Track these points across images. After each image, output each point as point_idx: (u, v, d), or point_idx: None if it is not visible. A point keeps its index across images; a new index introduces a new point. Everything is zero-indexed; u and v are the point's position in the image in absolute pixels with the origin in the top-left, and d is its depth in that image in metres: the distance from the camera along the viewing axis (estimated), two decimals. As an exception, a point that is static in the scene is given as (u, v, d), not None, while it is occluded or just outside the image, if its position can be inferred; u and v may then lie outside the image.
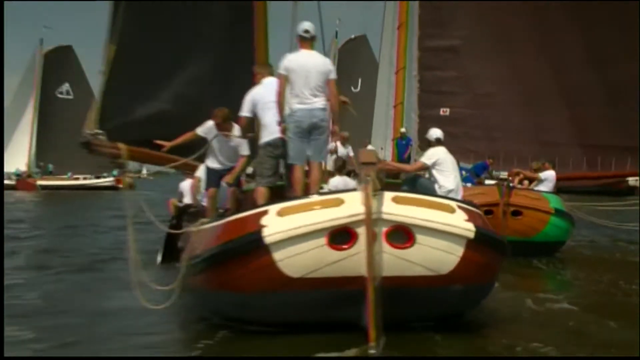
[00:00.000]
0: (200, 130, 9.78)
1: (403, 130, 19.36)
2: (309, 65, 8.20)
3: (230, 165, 9.81)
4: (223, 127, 9.56)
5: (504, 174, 16.83)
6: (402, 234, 6.59)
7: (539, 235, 13.28)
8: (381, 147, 19.25)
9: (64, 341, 7.26)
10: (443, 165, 9.84)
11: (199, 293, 8.15)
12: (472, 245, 6.82)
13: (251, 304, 7.18)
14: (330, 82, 8.35)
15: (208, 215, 9.55)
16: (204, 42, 14.22)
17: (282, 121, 8.26)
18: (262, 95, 8.57)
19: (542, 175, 15.23)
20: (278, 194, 8.93)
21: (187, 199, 15.53)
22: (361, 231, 6.56)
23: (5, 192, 50.72)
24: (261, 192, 8.44)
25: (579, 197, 18.70)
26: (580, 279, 11.86)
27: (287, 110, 8.17)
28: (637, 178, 23.04)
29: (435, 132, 10.74)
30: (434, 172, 9.93)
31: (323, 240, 6.67)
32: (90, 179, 56.00)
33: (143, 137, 12.11)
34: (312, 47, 8.54)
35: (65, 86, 57.43)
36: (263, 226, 6.74)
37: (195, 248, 8.12)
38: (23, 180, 54.79)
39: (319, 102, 8.20)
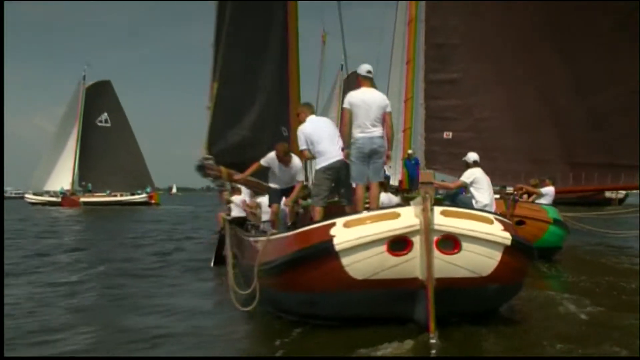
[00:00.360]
0: (264, 161, 10.28)
1: (410, 151, 19.87)
2: (370, 101, 8.45)
3: (288, 186, 10.29)
4: (282, 158, 10.04)
5: (510, 189, 16.97)
6: (450, 242, 6.71)
7: (539, 241, 13.37)
8: (389, 166, 19.36)
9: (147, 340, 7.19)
10: (479, 184, 10.20)
11: (271, 294, 8.13)
12: (508, 251, 6.95)
13: (320, 302, 7.27)
14: (387, 115, 8.60)
15: (274, 227, 9.69)
16: (263, 86, 15.18)
17: (345, 147, 8.50)
18: (313, 130, 8.82)
19: (543, 190, 15.69)
20: (332, 210, 9.16)
21: (235, 213, 15.54)
22: (416, 240, 6.73)
23: (52, 208, 50.98)
24: (317, 210, 8.63)
25: (563, 208, 18.77)
26: (582, 280, 11.82)
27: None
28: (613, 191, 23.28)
29: (472, 156, 11.05)
30: (472, 189, 10.28)
31: (383, 248, 6.78)
32: (126, 195, 55.90)
33: (234, 160, 12.84)
34: (372, 85, 8.78)
35: (104, 115, 57.45)
36: (333, 236, 6.86)
37: (266, 255, 8.11)
38: (68, 198, 55.12)
39: (378, 131, 8.45)
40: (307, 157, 9.21)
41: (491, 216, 7.38)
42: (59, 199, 54.63)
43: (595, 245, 18.46)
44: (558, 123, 17.58)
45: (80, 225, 33.56)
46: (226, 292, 9.09)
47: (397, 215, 6.95)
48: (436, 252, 6.71)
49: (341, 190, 9.14)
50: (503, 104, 18.38)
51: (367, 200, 8.89)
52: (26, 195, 59.64)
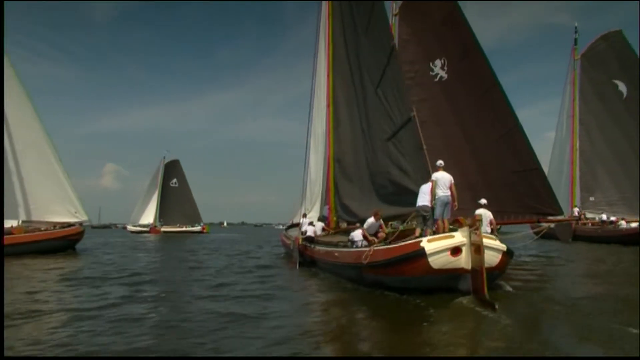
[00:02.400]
0: (366, 225, 10.39)
1: None
2: (444, 178, 9.00)
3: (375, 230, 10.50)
4: (377, 217, 10.33)
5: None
6: (478, 249, 7.54)
7: None
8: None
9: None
10: (483, 219, 9.40)
11: (377, 278, 8.51)
12: (504, 254, 7.90)
13: (413, 281, 7.94)
14: (451, 183, 9.00)
15: (372, 243, 9.72)
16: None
17: (432, 199, 8.92)
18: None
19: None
20: (407, 232, 9.69)
21: (310, 233, 15.21)
22: (463, 248, 7.64)
23: (142, 234, 49.36)
24: (418, 230, 8.89)
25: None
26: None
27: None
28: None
29: (482, 200, 10.50)
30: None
31: (448, 252, 7.68)
32: (187, 227, 54.82)
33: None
34: (443, 169, 9.10)
35: (174, 180, 56.85)
36: (423, 247, 7.71)
37: (374, 257, 8.49)
38: (153, 228, 53.35)
39: (447, 192, 8.92)
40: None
41: (494, 236, 8.30)
42: (148, 229, 53.01)
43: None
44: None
45: (169, 243, 30.74)
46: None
47: (453, 236, 7.83)
48: (472, 254, 7.52)
49: (428, 222, 8.98)
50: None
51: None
52: (127, 226, 57.94)
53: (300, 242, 14.44)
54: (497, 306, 6.46)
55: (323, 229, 15.62)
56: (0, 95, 16.97)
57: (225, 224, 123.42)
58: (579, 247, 22.20)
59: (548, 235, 23.93)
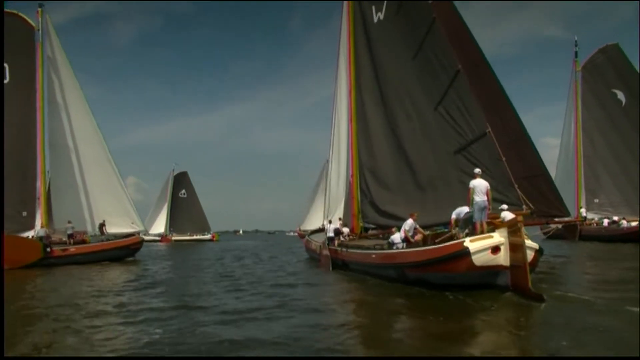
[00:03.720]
0: (407, 227, 11.06)
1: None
2: (481, 185, 9.52)
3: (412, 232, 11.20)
4: (414, 218, 11.02)
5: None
6: (517, 247, 8.26)
7: None
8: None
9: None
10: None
11: (420, 275, 9.16)
12: (536, 251, 8.64)
13: (456, 278, 8.66)
14: (487, 189, 9.53)
15: (414, 244, 10.63)
16: None
17: (470, 204, 9.64)
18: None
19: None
20: (440, 235, 10.46)
21: (330, 234, 16.25)
22: (502, 247, 8.39)
23: (153, 243, 49.57)
24: (478, 226, 9.19)
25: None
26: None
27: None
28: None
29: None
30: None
31: (489, 251, 8.42)
32: (198, 235, 55.44)
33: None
34: (480, 177, 9.68)
35: (183, 190, 57.65)
36: (466, 246, 8.48)
37: (417, 257, 9.26)
38: (164, 237, 53.86)
39: (484, 197, 9.41)
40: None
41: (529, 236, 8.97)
42: (159, 238, 53.57)
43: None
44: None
45: (185, 252, 30.06)
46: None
47: (492, 237, 8.60)
48: (510, 253, 8.32)
49: (469, 226, 9.51)
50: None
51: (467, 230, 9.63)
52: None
53: (329, 246, 15.14)
54: (545, 297, 7.11)
55: (348, 235, 16.45)
56: (0, 96, 17.33)
57: (241, 231, 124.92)
58: (586, 246, 22.94)
59: (555, 235, 25.03)
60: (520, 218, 8.33)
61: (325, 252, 15.03)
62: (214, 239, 55.44)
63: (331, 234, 16.59)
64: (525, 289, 7.73)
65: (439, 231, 10.87)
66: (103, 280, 12.76)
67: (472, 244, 8.45)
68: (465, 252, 8.36)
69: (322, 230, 21.18)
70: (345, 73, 17.56)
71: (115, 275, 14.43)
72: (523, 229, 8.10)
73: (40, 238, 18.47)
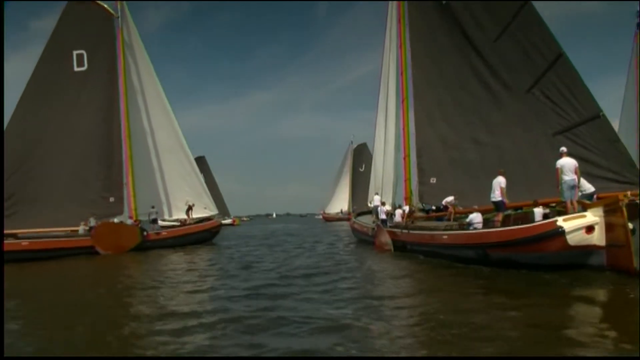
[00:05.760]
0: (501, 184, 10.58)
1: None
2: (569, 163, 9.38)
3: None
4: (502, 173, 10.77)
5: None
6: (616, 226, 8.07)
7: None
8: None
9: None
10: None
11: (506, 255, 9.17)
12: (631, 231, 8.06)
13: (548, 257, 8.62)
14: (576, 168, 9.33)
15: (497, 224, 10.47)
16: None
17: (558, 185, 9.40)
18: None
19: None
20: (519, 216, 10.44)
21: (382, 216, 16.47)
22: (596, 227, 8.30)
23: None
24: (569, 205, 9.05)
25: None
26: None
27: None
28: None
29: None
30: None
31: (583, 230, 8.36)
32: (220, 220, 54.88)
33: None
34: (567, 155, 9.50)
35: (202, 175, 56.11)
36: (560, 225, 8.42)
37: (501, 236, 9.27)
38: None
39: (573, 176, 9.27)
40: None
41: None
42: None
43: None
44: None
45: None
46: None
47: (585, 216, 8.52)
48: (607, 232, 8.28)
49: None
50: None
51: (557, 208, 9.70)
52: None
53: (384, 227, 15.25)
54: None
55: (401, 216, 16.42)
56: (0, 96, 16.89)
57: (274, 215, 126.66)
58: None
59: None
60: (621, 196, 8.17)
61: (384, 234, 15.03)
62: (235, 223, 54.96)
63: (383, 216, 16.88)
64: (630, 268, 7.65)
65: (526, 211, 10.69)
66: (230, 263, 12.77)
67: (566, 223, 8.40)
68: (560, 232, 8.33)
69: (367, 212, 21.43)
70: (396, 51, 17.33)
71: (220, 256, 14.88)
72: (624, 208, 7.87)
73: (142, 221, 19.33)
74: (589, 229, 8.32)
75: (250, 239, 24.55)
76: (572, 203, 9.05)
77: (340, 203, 60.61)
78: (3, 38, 17.39)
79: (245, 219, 53.22)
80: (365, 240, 18.36)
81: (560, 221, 8.49)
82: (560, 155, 9.57)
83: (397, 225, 15.35)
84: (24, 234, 17.32)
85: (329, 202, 61.63)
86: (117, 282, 10.34)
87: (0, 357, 3.99)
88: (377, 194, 18.68)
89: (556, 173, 9.42)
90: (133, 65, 20.37)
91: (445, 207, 14.20)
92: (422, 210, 16.37)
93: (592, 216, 8.41)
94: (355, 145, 59.05)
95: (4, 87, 17.20)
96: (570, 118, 11.76)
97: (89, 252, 16.57)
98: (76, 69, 19.27)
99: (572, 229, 8.29)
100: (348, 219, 56.23)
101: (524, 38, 12.43)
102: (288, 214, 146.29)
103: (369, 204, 21.00)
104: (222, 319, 5.80)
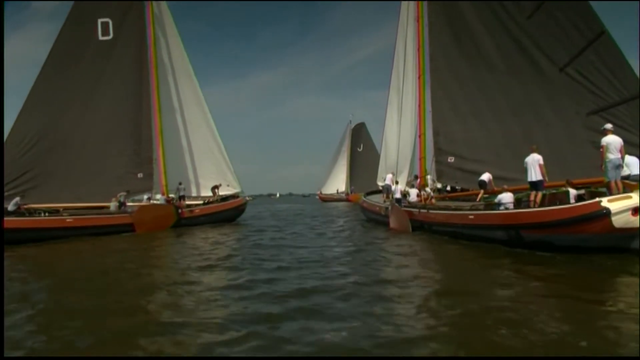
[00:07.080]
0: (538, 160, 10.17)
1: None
2: (615, 142, 8.87)
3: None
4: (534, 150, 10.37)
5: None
6: None
7: None
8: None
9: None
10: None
11: (542, 237, 8.81)
12: None
13: (592, 239, 8.25)
14: (621, 146, 8.85)
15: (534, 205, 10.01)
16: None
17: (602, 163, 8.94)
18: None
19: None
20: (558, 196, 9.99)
21: (397, 195, 16.20)
22: None
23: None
24: (613, 185, 8.59)
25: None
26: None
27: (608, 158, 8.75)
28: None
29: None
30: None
31: (629, 212, 7.97)
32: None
33: None
34: (612, 133, 9.00)
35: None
36: (605, 207, 8.02)
37: (538, 217, 8.85)
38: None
39: (618, 155, 8.80)
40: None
41: None
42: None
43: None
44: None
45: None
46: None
47: (631, 197, 8.12)
48: None
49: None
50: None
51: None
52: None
53: (401, 207, 14.87)
54: None
55: (417, 196, 16.04)
56: (0, 95, 16.03)
57: (277, 195, 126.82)
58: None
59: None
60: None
61: (399, 213, 14.63)
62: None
63: (398, 195, 16.47)
64: None
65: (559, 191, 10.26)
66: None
67: (612, 204, 8.01)
68: (605, 213, 7.94)
69: (378, 192, 21.04)
70: (414, 24, 16.78)
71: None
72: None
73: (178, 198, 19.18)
74: (636, 210, 7.94)
75: (263, 220, 24.00)
76: (616, 183, 8.62)
77: (337, 183, 59.92)
78: (3, 38, 16.78)
79: (248, 198, 51.72)
80: (375, 220, 18.09)
81: (605, 202, 8.09)
82: (604, 133, 9.06)
83: (413, 205, 14.94)
84: (65, 209, 16.59)
85: (325, 183, 60.98)
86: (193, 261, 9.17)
87: (0, 357, 3.92)
88: (392, 173, 18.20)
89: (601, 151, 8.92)
90: (163, 39, 19.64)
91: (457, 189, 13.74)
92: (437, 190, 16.12)
93: (638, 197, 8.03)
94: (353, 125, 58.35)
95: (4, 89, 16.28)
96: (608, 97, 11.31)
97: (127, 230, 16.09)
98: (101, 37, 18.36)
99: (618, 210, 7.91)
100: (347, 200, 55.78)
101: (562, 15, 11.91)
102: (290, 194, 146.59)
103: (378, 183, 20.68)
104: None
